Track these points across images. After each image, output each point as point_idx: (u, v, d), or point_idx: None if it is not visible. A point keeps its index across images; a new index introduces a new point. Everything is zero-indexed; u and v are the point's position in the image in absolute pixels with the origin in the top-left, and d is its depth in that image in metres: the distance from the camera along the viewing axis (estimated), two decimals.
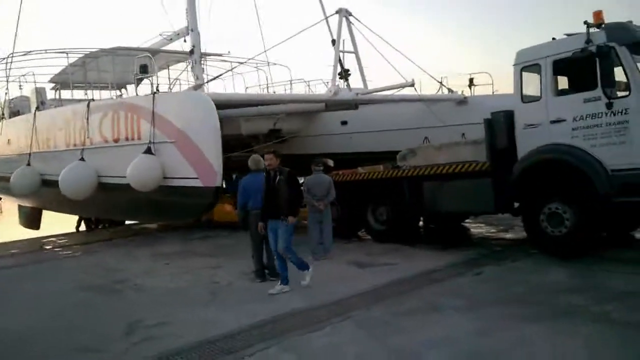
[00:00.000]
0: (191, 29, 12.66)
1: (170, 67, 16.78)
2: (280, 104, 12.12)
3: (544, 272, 6.94)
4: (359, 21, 12.63)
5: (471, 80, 15.16)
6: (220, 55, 16.41)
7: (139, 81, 10.20)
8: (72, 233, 16.32)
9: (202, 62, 13.07)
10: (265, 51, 12.16)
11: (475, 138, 9.86)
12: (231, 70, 12.18)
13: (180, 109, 8.90)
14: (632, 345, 4.36)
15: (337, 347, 4.83)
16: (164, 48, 14.09)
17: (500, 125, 8.45)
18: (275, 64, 17.09)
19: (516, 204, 8.56)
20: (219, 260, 9.63)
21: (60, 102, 13.99)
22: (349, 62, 13.15)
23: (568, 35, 8.06)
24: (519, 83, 8.21)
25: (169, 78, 15.43)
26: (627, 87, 7.10)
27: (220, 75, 10.68)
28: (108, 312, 6.65)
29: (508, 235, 10.25)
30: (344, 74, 12.53)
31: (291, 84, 14.12)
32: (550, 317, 5.10)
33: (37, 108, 13.47)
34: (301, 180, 9.17)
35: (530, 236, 8.17)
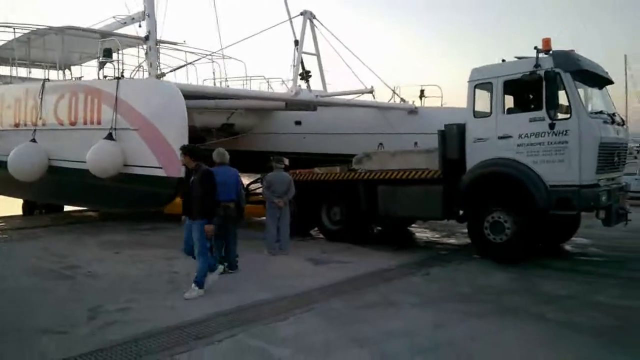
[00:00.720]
0: (148, 14, 12.54)
1: (120, 52, 16.47)
2: (241, 99, 12.23)
3: (487, 274, 7.55)
4: (322, 24, 13.01)
5: (422, 92, 15.89)
6: (175, 43, 16.28)
7: (101, 64, 10.01)
8: (10, 217, 15.65)
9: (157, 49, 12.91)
10: (224, 47, 12.19)
11: (428, 147, 10.47)
12: (192, 62, 12.06)
13: (147, 96, 8.86)
14: (566, 341, 4.92)
15: (303, 335, 5.12)
16: (116, 31, 13.86)
17: (453, 137, 9.05)
18: (231, 58, 17.18)
19: (462, 212, 9.21)
20: (172, 251, 9.55)
21: (9, 80, 13.41)
22: (310, 64, 13.46)
23: (519, 58, 8.79)
24: (472, 99, 8.84)
25: (118, 62, 15.10)
26: (568, 110, 7.87)
27: (183, 65, 10.64)
28: (65, 297, 6.58)
29: (451, 241, 10.91)
30: (305, 75, 12.83)
31: (250, 80, 14.23)
32: (496, 315, 5.64)
33: None
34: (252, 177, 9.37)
35: (474, 242, 8.80)
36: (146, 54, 12.48)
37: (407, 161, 10.39)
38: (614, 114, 8.52)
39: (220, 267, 7.09)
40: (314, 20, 12.84)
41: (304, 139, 17.10)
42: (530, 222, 8.15)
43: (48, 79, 11.52)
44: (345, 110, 15.46)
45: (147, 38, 12.34)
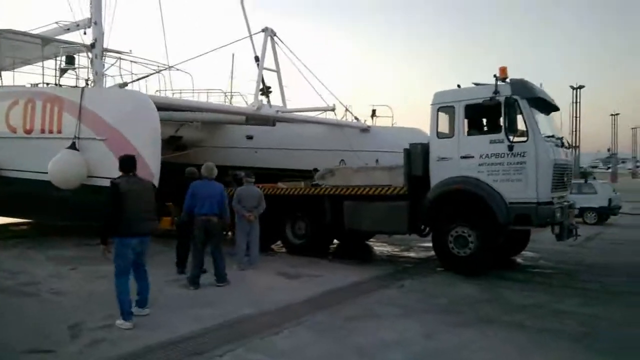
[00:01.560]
0: (95, 21, 12.26)
1: (57, 58, 15.82)
2: (204, 112, 12.13)
3: (456, 286, 7.95)
4: (282, 42, 13.21)
5: (374, 111, 16.56)
6: (120, 52, 15.87)
7: (63, 71, 9.59)
8: None
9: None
10: (185, 61, 12.02)
11: (390, 164, 10.90)
12: (155, 72, 11.78)
13: (116, 105, 8.59)
14: (550, 346, 5.33)
15: (302, 348, 5.20)
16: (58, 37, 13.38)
17: (417, 155, 9.50)
18: (178, 69, 16.96)
19: (427, 227, 9.66)
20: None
21: None
22: (270, 80, 13.59)
23: (476, 84, 9.44)
24: (435, 120, 9.36)
25: (55, 69, 14.50)
26: (525, 134, 8.53)
27: (147, 75, 10.38)
28: (38, 315, 6.25)
29: (411, 254, 11.35)
30: (265, 91, 12.94)
31: (208, 93, 14.13)
32: (478, 324, 5.99)
33: None
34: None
35: (439, 255, 9.24)
36: (91, 62, 12.15)
37: (370, 177, 10.76)
38: (562, 138, 9.32)
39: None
40: (275, 38, 13.01)
41: (256, 153, 17.17)
42: (491, 237, 8.70)
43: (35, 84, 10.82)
44: (297, 126, 15.71)
45: (93, 46, 12.02)
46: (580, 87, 40.23)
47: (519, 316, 6.37)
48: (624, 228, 17.55)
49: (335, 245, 12.34)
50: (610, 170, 58.78)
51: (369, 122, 16.20)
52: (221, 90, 14.15)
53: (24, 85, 10.94)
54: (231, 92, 17.07)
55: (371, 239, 12.89)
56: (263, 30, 12.66)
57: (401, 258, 10.92)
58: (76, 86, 8.72)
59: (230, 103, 14.80)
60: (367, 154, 14.70)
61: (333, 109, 14.05)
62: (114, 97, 9.18)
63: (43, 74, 8.93)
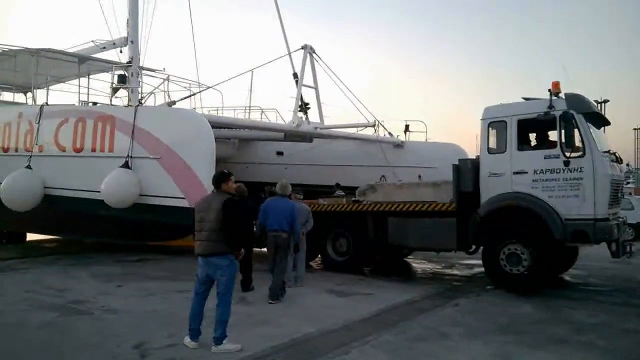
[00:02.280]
0: (131, 40, 12.44)
1: (90, 76, 16.04)
2: (244, 130, 12.15)
3: (513, 306, 7.73)
4: (320, 59, 13.24)
5: (407, 127, 16.42)
6: (155, 70, 16.06)
7: (115, 90, 9.67)
8: None
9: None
10: (225, 81, 11.98)
11: (434, 180, 10.77)
12: (199, 91, 11.85)
13: (171, 125, 8.62)
14: None
15: None
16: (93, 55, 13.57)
17: (467, 171, 9.35)
18: (209, 87, 17.10)
19: (480, 244, 9.46)
20: (180, 283, 9.22)
21: None
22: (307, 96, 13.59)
23: (526, 99, 9.31)
24: (486, 135, 9.22)
25: (87, 87, 14.66)
26: (580, 149, 8.35)
27: (191, 95, 10.43)
28: (97, 334, 6.15)
29: (455, 272, 11.13)
30: (304, 108, 12.93)
31: (249, 110, 14.18)
32: (550, 344, 5.78)
33: None
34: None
35: (489, 273, 9.03)
36: (128, 79, 12.28)
37: (413, 193, 10.63)
38: (615, 153, 9.12)
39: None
40: (314, 55, 13.05)
41: (286, 169, 17.15)
42: (546, 254, 8.48)
43: (47, 103, 10.97)
44: (328, 142, 15.67)
45: (129, 64, 12.17)
46: (605, 101, 39.74)
47: (589, 336, 6.15)
48: None
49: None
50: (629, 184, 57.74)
51: (402, 137, 16.09)
52: (259, 107, 14.16)
53: (74, 104, 11.07)
54: (253, 108, 17.14)
55: (410, 256, 12.70)
56: (302, 48, 12.70)
57: (446, 276, 10.70)
58: (129, 105, 8.75)
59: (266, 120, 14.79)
60: (402, 170, 14.63)
61: (373, 125, 14.01)
62: (169, 116, 9.19)
63: (112, 94, 9.03)
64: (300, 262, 9.20)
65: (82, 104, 10.18)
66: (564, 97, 8.53)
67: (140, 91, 9.38)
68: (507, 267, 8.68)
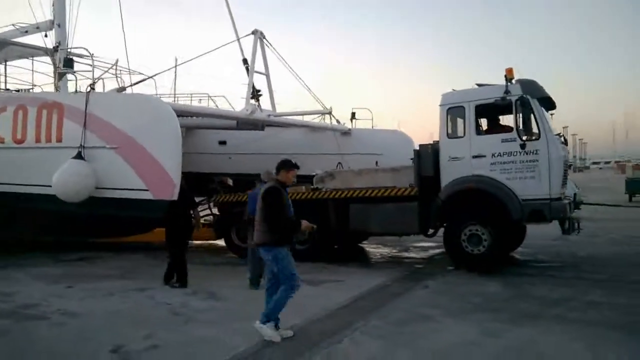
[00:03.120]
0: (58, 23, 11.57)
1: (7, 63, 14.76)
2: (193, 117, 11.62)
3: (479, 284, 7.99)
4: (270, 45, 12.92)
5: (353, 114, 16.51)
6: (81, 56, 15.01)
7: (61, 75, 8.83)
8: None
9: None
10: (178, 64, 11.41)
11: (393, 166, 10.89)
12: (153, 75, 11.03)
13: (130, 112, 8.00)
14: (615, 338, 5.40)
15: (380, 355, 5.03)
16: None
17: (427, 156, 9.54)
18: (140, 73, 16.24)
19: (434, 227, 9.70)
20: (135, 282, 8.74)
21: None
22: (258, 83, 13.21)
23: (479, 85, 9.62)
24: (445, 121, 9.42)
25: (4, 75, 13.47)
26: (533, 132, 8.73)
27: (144, 79, 9.73)
28: (66, 339, 5.68)
29: (413, 255, 11.36)
30: (256, 95, 12.58)
31: (191, 97, 13.58)
32: (525, 321, 5.99)
33: None
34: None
35: (451, 254, 9.29)
36: (56, 66, 11.39)
37: (373, 179, 10.71)
38: (563, 135, 9.66)
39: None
40: (264, 40, 12.68)
41: (230, 159, 16.68)
42: (505, 234, 8.86)
43: None
44: (273, 130, 15.39)
45: (55, 49, 11.30)
46: None
47: (558, 310, 6.48)
48: (589, 221, 18.45)
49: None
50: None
51: (349, 125, 16.14)
52: (207, 94, 13.59)
53: (10, 90, 10.02)
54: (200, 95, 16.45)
55: (364, 242, 12.83)
56: (253, 33, 12.30)
57: (405, 259, 10.90)
58: (78, 91, 8.02)
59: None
60: (349, 157, 14.68)
61: (330, 112, 13.91)
62: (127, 102, 8.52)
63: (58, 79, 8.14)
64: None
65: (22, 91, 9.21)
66: (518, 83, 8.87)
67: (92, 76, 8.65)
68: (469, 247, 8.97)
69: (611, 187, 32.45)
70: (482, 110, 9.17)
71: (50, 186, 7.72)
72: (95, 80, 8.29)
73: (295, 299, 7.20)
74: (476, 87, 9.62)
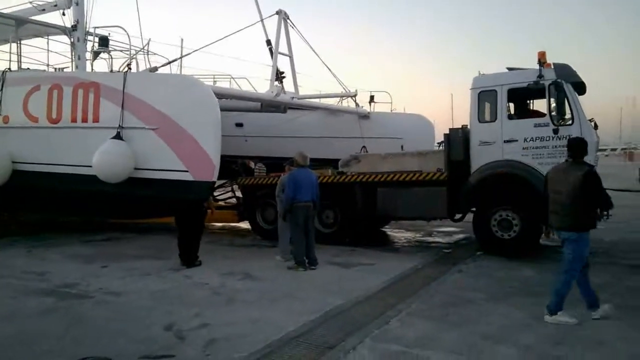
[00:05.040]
0: (76, 1, 11.48)
1: (22, 42, 14.66)
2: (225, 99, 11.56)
3: (514, 269, 8.01)
4: (294, 26, 12.81)
5: (372, 97, 16.37)
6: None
7: (96, 54, 8.79)
8: None
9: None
10: (196, 50, 11.20)
11: (419, 150, 10.88)
12: (184, 55, 10.92)
13: (170, 92, 7.95)
14: None
15: (429, 336, 5.07)
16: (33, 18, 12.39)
17: (458, 140, 9.51)
18: (156, 54, 16.14)
19: (463, 212, 9.72)
20: (168, 262, 8.79)
21: None
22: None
23: (510, 69, 9.55)
24: (476, 105, 9.38)
25: (17, 54, 13.38)
26: (566, 117, 8.69)
27: (174, 60, 9.63)
28: (114, 318, 5.74)
29: (438, 239, 11.39)
30: (279, 76, 12.50)
31: (214, 79, 13.51)
32: (569, 307, 5.97)
33: None
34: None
35: (481, 239, 9.31)
36: (74, 45, 11.33)
37: (399, 164, 10.70)
38: (594, 120, 9.60)
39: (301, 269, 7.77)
40: (288, 21, 12.56)
41: (246, 141, 16.65)
42: (536, 219, 8.86)
43: (9, 69, 9.79)
44: (294, 113, 15.33)
45: (74, 28, 11.23)
46: None
47: (602, 295, 6.48)
48: None
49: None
50: None
51: (367, 108, 16.05)
52: (230, 75, 13.51)
53: (44, 70, 9.96)
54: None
55: (386, 226, 12.87)
56: (277, 13, 12.18)
57: (432, 244, 10.92)
58: (116, 70, 7.98)
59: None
60: (368, 141, 14.62)
61: (354, 95, 13.82)
62: (166, 83, 8.45)
63: (93, 58, 8.12)
64: (312, 243, 8.91)
65: (58, 69, 9.18)
66: (552, 67, 8.80)
67: (130, 55, 8.59)
68: (499, 232, 8.99)
69: (619, 174, 32.33)
70: (514, 94, 9.12)
71: (87, 166, 7.74)
72: (131, 60, 8.27)
73: (331, 281, 7.37)
74: (507, 70, 9.56)
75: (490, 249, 9.17)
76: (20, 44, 12.69)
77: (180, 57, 9.38)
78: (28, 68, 10.97)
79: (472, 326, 5.34)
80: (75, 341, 4.96)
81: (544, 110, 8.90)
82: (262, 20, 12.40)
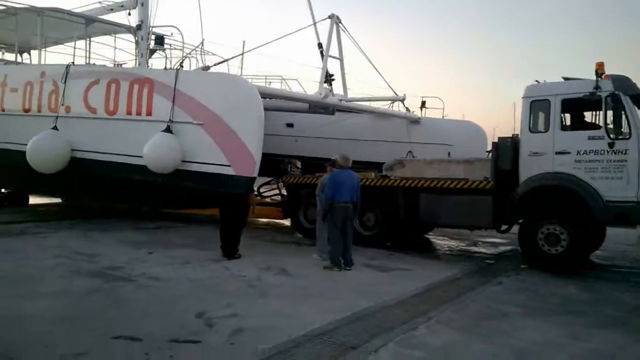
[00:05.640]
0: (141, 2, 11.97)
1: (91, 39, 15.46)
2: (268, 99, 11.83)
3: (557, 285, 7.70)
4: (346, 30, 12.89)
5: (423, 103, 16.15)
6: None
7: (152, 52, 9.26)
8: None
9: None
10: (250, 50, 11.48)
11: (466, 157, 10.68)
12: (235, 56, 11.31)
13: (218, 91, 8.28)
14: None
15: (454, 345, 5.00)
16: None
17: (506, 149, 9.26)
18: (214, 54, 16.61)
19: (509, 223, 9.45)
20: (210, 252, 9.07)
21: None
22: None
23: (566, 78, 9.19)
24: (528, 114, 9.10)
25: (86, 50, 14.08)
26: (622, 131, 8.26)
27: (225, 60, 10.02)
28: (151, 302, 6.01)
29: (482, 250, 11.13)
30: (328, 79, 12.63)
31: (266, 79, 13.83)
32: (610, 326, 5.74)
33: None
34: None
35: (526, 252, 9.03)
36: (137, 43, 11.84)
37: (444, 170, 10.55)
38: None
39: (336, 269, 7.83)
40: (340, 25, 12.67)
41: (296, 142, 16.86)
42: (585, 235, 8.50)
43: (73, 63, 10.47)
44: (343, 115, 15.38)
45: (139, 27, 11.73)
46: None
47: None
48: None
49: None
50: None
51: (418, 113, 15.86)
52: (281, 76, 13.79)
53: (104, 65, 10.60)
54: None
55: (430, 233, 12.70)
56: (329, 17, 12.32)
57: (475, 254, 10.69)
58: (169, 68, 8.39)
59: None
60: (417, 147, 14.46)
61: (402, 99, 13.75)
62: (215, 81, 8.81)
63: (149, 56, 8.61)
64: (350, 244, 8.96)
65: (116, 66, 9.75)
66: (610, 79, 8.41)
67: (182, 54, 9.00)
68: (545, 246, 8.68)
69: None
70: (568, 105, 8.78)
71: (138, 157, 8.15)
72: (184, 59, 8.65)
73: (364, 284, 7.37)
74: (562, 80, 9.22)
75: (535, 263, 8.88)
76: (89, 40, 13.52)
77: (237, 56, 9.65)
78: (94, 63, 11.65)
79: (502, 340, 5.20)
80: (112, 321, 5.23)
81: (601, 122, 8.53)
82: (314, 23, 12.56)
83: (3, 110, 10.39)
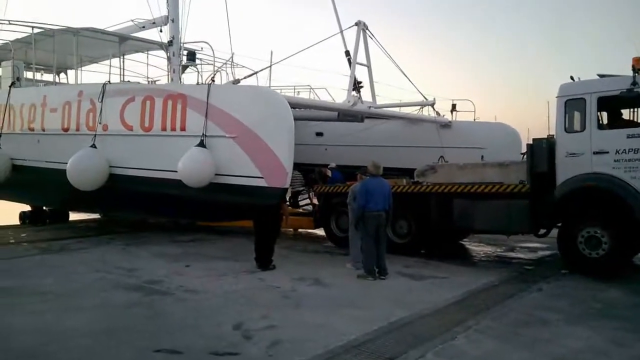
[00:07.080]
0: (172, 19, 12.21)
1: (125, 57, 15.89)
2: (297, 109, 11.93)
3: (599, 290, 7.48)
4: (373, 36, 12.89)
5: (454, 106, 15.98)
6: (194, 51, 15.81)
7: (184, 68, 9.50)
8: (16, 226, 14.84)
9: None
10: (277, 62, 11.60)
11: (500, 161, 10.48)
12: (261, 69, 11.54)
13: (249, 104, 8.43)
14: None
15: (494, 355, 4.90)
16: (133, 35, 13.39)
17: (542, 151, 9.05)
18: (243, 66, 16.83)
19: (547, 227, 9.21)
20: (244, 264, 9.15)
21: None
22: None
23: (601, 75, 8.93)
24: (563, 114, 8.87)
25: (120, 68, 14.43)
26: None
27: (255, 73, 10.21)
28: (189, 315, 6.10)
29: (520, 255, 10.87)
30: (357, 86, 12.64)
31: (295, 89, 13.95)
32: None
33: (13, 84, 12.05)
34: None
35: (566, 257, 8.76)
36: (169, 59, 12.09)
37: (478, 174, 10.37)
38: None
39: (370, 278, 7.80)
40: (367, 31, 12.69)
41: (326, 150, 16.91)
42: (627, 237, 8.21)
43: (109, 82, 10.84)
44: (372, 122, 15.34)
45: (170, 43, 11.97)
46: None
47: None
48: None
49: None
50: None
51: (449, 117, 15.70)
52: (309, 86, 13.90)
53: (139, 82, 10.92)
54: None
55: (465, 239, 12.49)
56: (356, 24, 12.36)
57: (513, 260, 10.45)
58: (200, 83, 8.60)
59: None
60: (449, 151, 14.29)
61: (432, 104, 13.64)
62: (246, 94, 8.98)
63: (182, 71, 8.87)
64: (383, 253, 8.88)
65: (150, 82, 10.04)
66: None
67: (213, 69, 9.20)
68: (586, 250, 8.41)
69: None
70: (605, 102, 8.53)
71: (173, 171, 8.35)
72: (215, 73, 8.84)
73: (399, 292, 7.30)
74: (598, 77, 8.97)
75: (576, 267, 8.60)
76: (123, 58, 13.93)
77: (265, 68, 9.77)
78: (129, 81, 12.00)
79: (542, 348, 5.08)
80: (151, 334, 5.34)
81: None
82: (341, 31, 12.61)
83: (44, 130, 10.81)
